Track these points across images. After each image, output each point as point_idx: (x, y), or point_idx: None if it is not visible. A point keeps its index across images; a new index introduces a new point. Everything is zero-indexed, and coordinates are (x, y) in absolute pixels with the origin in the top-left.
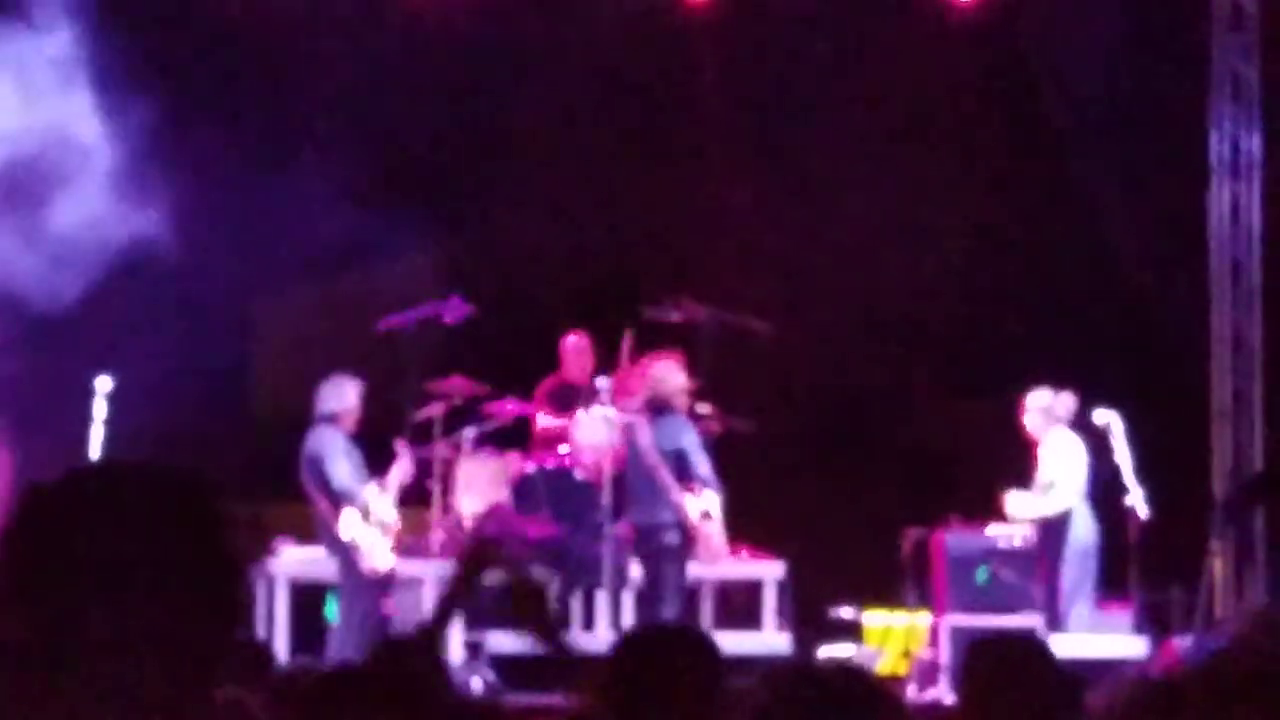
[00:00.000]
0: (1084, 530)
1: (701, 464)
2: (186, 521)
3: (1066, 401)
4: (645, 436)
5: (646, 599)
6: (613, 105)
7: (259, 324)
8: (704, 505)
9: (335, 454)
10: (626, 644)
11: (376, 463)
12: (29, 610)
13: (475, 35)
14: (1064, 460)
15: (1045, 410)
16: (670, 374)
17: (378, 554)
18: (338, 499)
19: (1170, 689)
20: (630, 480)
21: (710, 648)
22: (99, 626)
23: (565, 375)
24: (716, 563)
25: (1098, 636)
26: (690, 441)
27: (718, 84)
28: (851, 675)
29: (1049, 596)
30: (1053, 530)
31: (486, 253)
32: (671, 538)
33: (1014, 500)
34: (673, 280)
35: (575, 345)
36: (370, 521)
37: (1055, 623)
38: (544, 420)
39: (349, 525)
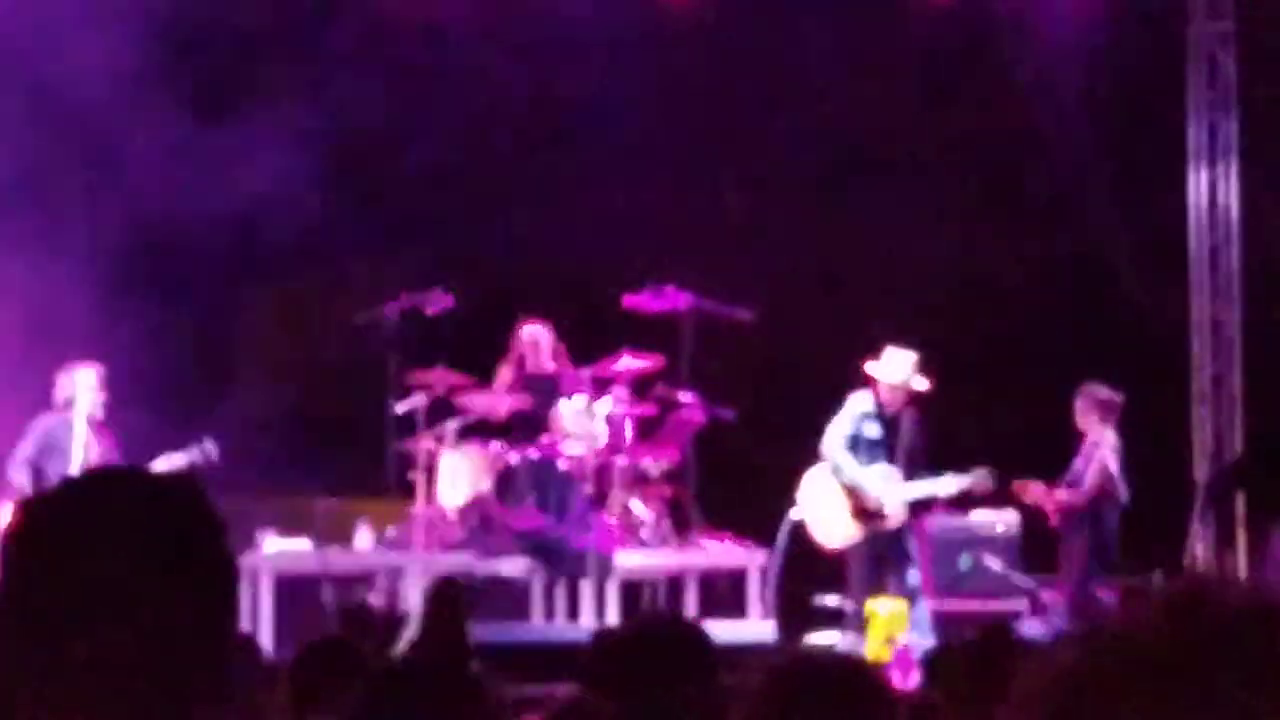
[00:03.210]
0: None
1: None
2: (183, 528)
3: (1116, 398)
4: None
5: None
6: (598, 95)
7: (242, 314)
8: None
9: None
10: (621, 636)
11: (359, 457)
12: (26, 623)
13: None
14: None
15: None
16: (892, 369)
17: None
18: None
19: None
20: None
21: (704, 638)
22: (97, 639)
23: (526, 365)
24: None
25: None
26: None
27: (713, 74)
28: (851, 667)
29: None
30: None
31: (469, 243)
32: None
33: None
34: (655, 268)
35: (532, 334)
36: None
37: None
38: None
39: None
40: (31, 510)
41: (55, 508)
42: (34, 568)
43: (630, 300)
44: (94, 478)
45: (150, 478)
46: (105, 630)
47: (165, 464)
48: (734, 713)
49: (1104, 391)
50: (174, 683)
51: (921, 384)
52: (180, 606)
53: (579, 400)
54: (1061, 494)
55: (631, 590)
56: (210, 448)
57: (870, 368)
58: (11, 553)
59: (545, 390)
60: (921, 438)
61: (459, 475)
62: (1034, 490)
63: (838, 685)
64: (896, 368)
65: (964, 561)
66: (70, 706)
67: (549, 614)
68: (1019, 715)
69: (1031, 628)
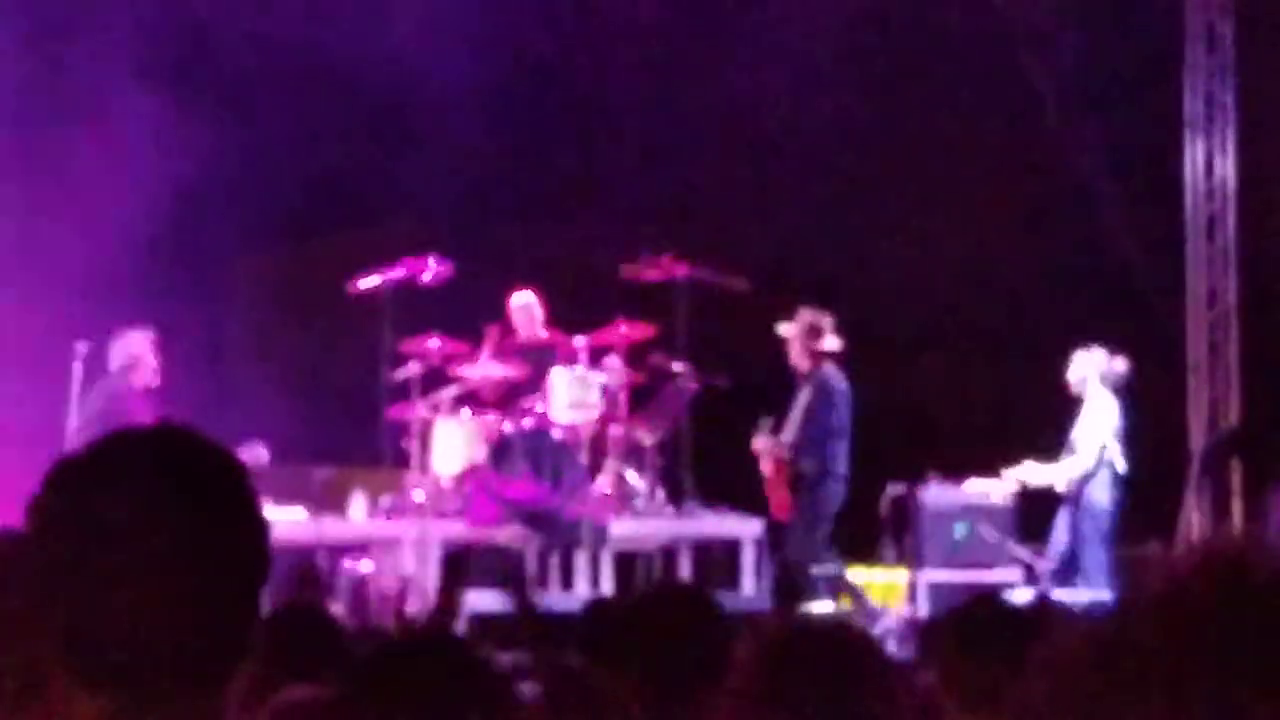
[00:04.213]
0: (1100, 492)
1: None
2: (221, 487)
3: (1118, 366)
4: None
5: None
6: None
7: (239, 282)
8: None
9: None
10: (634, 604)
11: (354, 426)
12: (55, 582)
13: None
14: (1097, 422)
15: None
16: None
17: None
18: None
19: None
20: None
21: (715, 607)
22: (131, 597)
23: (516, 333)
24: None
25: (1071, 590)
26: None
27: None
28: (843, 631)
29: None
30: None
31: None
32: None
33: (1028, 469)
34: (652, 237)
35: (523, 302)
36: None
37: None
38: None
39: None
40: (63, 471)
41: (93, 463)
42: (62, 532)
43: (627, 269)
44: (128, 436)
45: (187, 436)
46: (135, 599)
47: None
48: (727, 680)
49: (1107, 356)
50: (199, 656)
51: (832, 344)
52: (215, 579)
53: (574, 369)
54: (1064, 466)
55: (626, 560)
56: (261, 451)
57: (779, 328)
58: (42, 515)
59: (539, 359)
60: (816, 400)
61: (454, 444)
62: (1028, 468)
63: (832, 652)
64: (794, 326)
65: (959, 531)
66: (96, 677)
67: (543, 583)
68: (1053, 682)
69: (1022, 597)
